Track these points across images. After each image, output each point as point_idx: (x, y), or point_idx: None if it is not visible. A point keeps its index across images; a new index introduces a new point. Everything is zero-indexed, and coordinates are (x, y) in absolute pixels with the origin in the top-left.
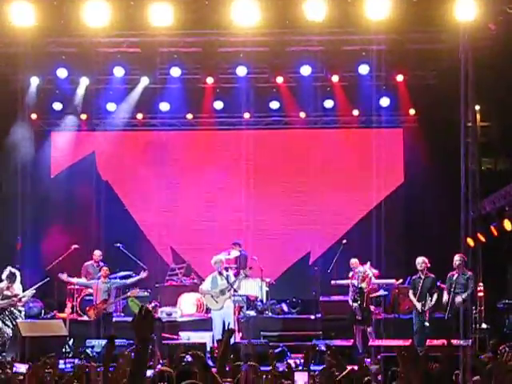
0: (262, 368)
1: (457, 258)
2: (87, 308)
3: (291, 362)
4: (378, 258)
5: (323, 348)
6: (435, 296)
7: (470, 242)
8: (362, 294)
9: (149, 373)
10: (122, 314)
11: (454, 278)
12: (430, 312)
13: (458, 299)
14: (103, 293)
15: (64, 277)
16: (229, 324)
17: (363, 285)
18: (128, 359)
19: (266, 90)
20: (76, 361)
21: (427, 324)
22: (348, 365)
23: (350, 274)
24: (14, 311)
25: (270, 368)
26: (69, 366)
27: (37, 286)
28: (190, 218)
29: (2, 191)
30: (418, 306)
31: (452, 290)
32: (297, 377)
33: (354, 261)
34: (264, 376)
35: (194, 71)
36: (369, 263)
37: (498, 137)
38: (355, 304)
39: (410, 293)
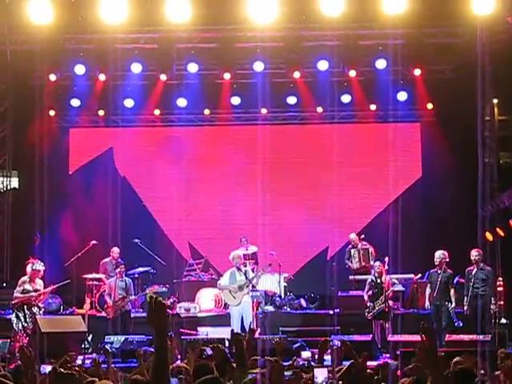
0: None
1: (474, 253)
2: (105, 306)
3: (306, 355)
4: (396, 253)
5: (337, 343)
6: (452, 291)
7: (489, 236)
8: (380, 289)
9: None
10: (141, 310)
11: (473, 272)
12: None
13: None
14: (120, 290)
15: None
16: (250, 324)
17: (382, 279)
18: (144, 356)
19: (283, 86)
20: (94, 355)
21: (461, 324)
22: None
23: (350, 249)
24: (34, 309)
25: (290, 362)
26: (88, 361)
27: (56, 285)
28: (208, 213)
29: (21, 188)
30: (427, 303)
31: (471, 285)
32: (316, 372)
33: (353, 236)
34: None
35: (211, 67)
36: (386, 259)
37: None
38: (371, 303)
39: (427, 287)
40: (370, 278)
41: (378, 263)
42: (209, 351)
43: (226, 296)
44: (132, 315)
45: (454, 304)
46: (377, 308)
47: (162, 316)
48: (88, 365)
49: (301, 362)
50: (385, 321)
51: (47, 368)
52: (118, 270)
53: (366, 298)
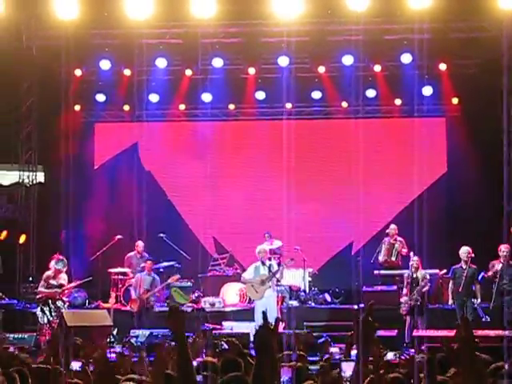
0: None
1: (503, 249)
2: (130, 301)
3: (334, 350)
4: (421, 248)
5: None
6: (478, 287)
7: None
8: (416, 284)
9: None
10: (165, 304)
11: (500, 268)
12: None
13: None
14: (147, 285)
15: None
16: (275, 319)
17: (418, 274)
18: (168, 350)
19: (308, 80)
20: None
21: (488, 318)
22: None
23: (384, 242)
24: (58, 303)
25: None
26: (113, 355)
27: (80, 282)
28: (233, 208)
29: (46, 182)
30: (450, 300)
31: (497, 279)
32: (344, 366)
33: (393, 226)
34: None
35: (236, 62)
36: (411, 254)
37: None
38: (407, 298)
39: (451, 283)
40: (407, 272)
41: (415, 258)
42: (225, 345)
43: (248, 290)
44: (157, 309)
45: (479, 300)
46: (410, 303)
47: (178, 323)
48: (113, 358)
49: (337, 356)
50: (418, 316)
51: (75, 364)
52: (146, 264)
53: (403, 292)
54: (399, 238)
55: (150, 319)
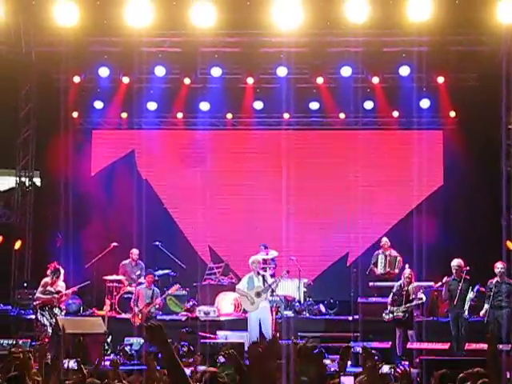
0: None
1: (499, 266)
2: (132, 316)
3: (328, 362)
4: (417, 261)
5: (358, 349)
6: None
7: (510, 245)
8: (407, 297)
9: (187, 371)
10: (160, 313)
11: (497, 284)
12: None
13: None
14: (147, 299)
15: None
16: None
17: (410, 287)
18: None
19: (306, 91)
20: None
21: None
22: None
23: (379, 254)
24: (55, 310)
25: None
26: (107, 363)
27: (77, 287)
28: (229, 217)
29: (43, 188)
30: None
31: (493, 296)
32: (343, 379)
33: (385, 240)
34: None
35: (234, 71)
36: (407, 266)
37: None
38: (392, 307)
39: (445, 296)
40: (399, 283)
41: (408, 270)
42: (221, 359)
43: (243, 301)
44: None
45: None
46: (395, 314)
47: (157, 337)
48: (107, 366)
49: (332, 369)
50: (407, 329)
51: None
52: (147, 279)
53: (389, 301)
54: (394, 251)
55: None
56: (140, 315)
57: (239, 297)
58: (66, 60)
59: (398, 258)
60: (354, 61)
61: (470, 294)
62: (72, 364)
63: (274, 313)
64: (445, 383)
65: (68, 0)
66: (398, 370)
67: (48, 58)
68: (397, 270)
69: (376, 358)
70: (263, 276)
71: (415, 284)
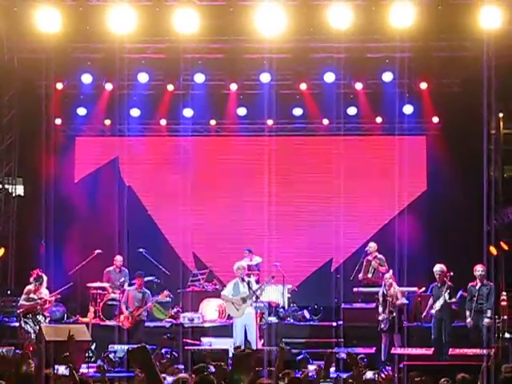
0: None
1: (479, 269)
2: (121, 317)
3: (312, 368)
4: (400, 266)
5: (343, 355)
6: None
7: (493, 250)
8: (392, 301)
9: (170, 379)
10: (146, 319)
11: (477, 287)
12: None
13: (486, 320)
14: (137, 301)
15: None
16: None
17: (392, 290)
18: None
19: (290, 97)
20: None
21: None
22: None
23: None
24: (39, 317)
25: (302, 374)
26: (92, 370)
27: (60, 290)
28: (213, 223)
29: (26, 195)
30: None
31: (475, 300)
32: None
33: (372, 244)
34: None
35: (217, 77)
36: (391, 271)
37: None
38: (384, 315)
39: (431, 299)
40: (380, 290)
41: (388, 275)
42: (212, 369)
43: (229, 308)
44: (146, 324)
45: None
46: (388, 318)
47: (141, 357)
48: (91, 373)
49: (310, 374)
50: (392, 333)
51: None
52: (137, 280)
53: (380, 310)
54: (379, 256)
55: (141, 333)
56: (130, 318)
57: (223, 303)
58: (49, 66)
59: (373, 263)
60: (337, 67)
61: (446, 296)
62: (63, 370)
63: (258, 319)
64: None
65: (50, 6)
66: (381, 375)
67: (30, 65)
68: (370, 275)
69: (362, 363)
70: (248, 282)
71: (397, 288)
